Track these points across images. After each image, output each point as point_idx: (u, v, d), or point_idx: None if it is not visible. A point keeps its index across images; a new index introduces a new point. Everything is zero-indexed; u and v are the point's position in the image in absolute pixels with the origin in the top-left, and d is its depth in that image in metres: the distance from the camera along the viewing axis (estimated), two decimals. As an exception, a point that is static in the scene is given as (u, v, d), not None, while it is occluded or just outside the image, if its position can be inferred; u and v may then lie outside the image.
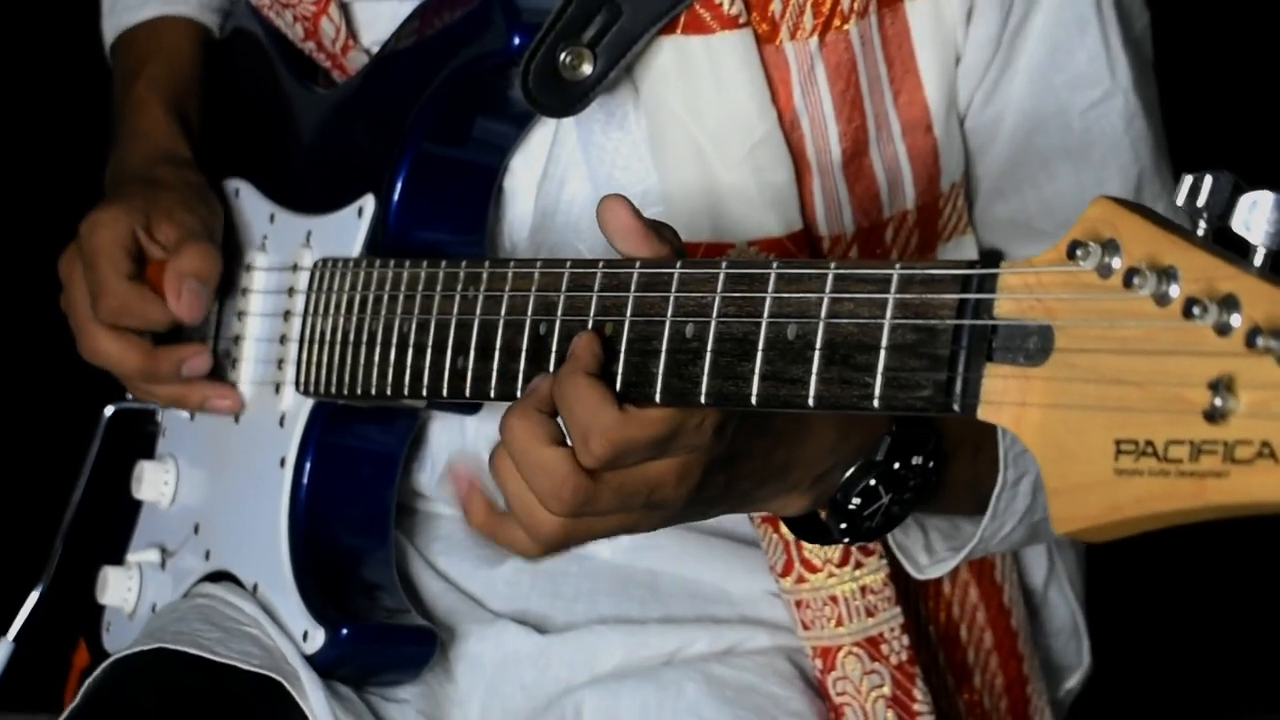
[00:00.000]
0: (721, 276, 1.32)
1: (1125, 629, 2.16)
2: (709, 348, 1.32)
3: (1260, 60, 2.70)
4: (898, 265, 1.20)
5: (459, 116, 1.71)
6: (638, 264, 1.39)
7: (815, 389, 1.24)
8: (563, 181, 1.72)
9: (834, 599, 1.72)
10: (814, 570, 1.72)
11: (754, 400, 1.28)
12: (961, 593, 1.82)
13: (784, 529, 1.68)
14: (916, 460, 1.52)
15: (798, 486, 1.49)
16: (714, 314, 1.32)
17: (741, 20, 1.62)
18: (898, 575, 1.73)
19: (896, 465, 1.51)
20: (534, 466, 1.36)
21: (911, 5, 1.65)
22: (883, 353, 1.20)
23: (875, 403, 1.20)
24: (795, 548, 1.72)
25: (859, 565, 1.71)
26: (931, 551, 1.68)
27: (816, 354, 1.24)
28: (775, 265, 1.28)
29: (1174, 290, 1.05)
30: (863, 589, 1.71)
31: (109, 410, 1.96)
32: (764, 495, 1.49)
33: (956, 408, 1.15)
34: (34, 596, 1.95)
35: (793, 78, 1.65)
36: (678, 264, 1.36)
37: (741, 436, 1.40)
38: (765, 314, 1.28)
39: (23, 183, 2.93)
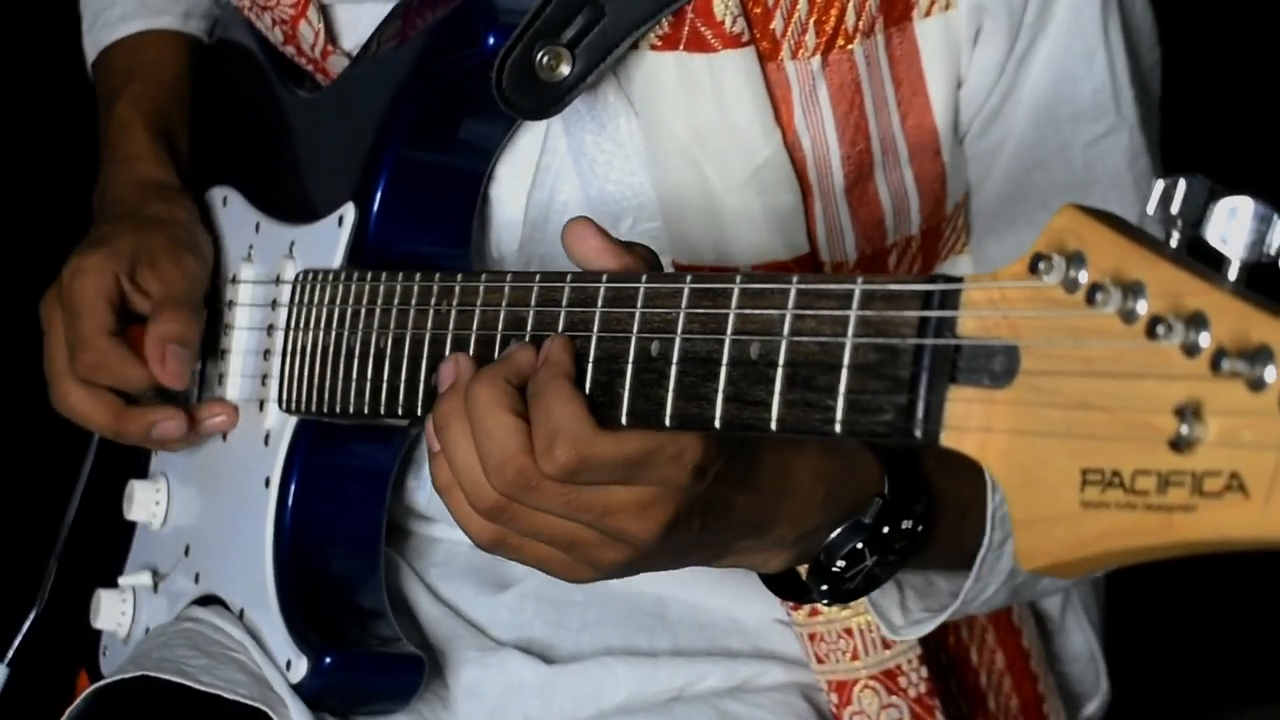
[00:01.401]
0: (686, 291, 1.25)
1: (1143, 654, 2.08)
2: (673, 367, 1.24)
3: (1258, 64, 2.60)
4: (859, 280, 1.13)
5: (438, 120, 1.64)
6: (604, 278, 1.32)
7: (778, 411, 1.16)
8: (553, 191, 1.66)
9: (849, 631, 1.64)
10: None
11: (717, 423, 1.21)
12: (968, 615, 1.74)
13: None
14: (906, 524, 1.43)
15: (780, 543, 1.41)
16: (679, 330, 1.25)
17: (745, 39, 1.55)
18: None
19: (886, 529, 1.43)
20: (489, 433, 1.28)
21: (921, 24, 1.57)
22: (844, 373, 1.12)
23: (837, 427, 1.12)
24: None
25: None
26: (906, 610, 1.59)
27: (779, 374, 1.17)
28: (740, 280, 1.21)
29: (1140, 307, 0.97)
30: None
31: (102, 429, 1.90)
32: (742, 549, 1.40)
33: (918, 434, 1.07)
34: (29, 621, 1.91)
35: (794, 98, 1.58)
36: (643, 278, 1.29)
37: (723, 485, 1.31)
38: (729, 331, 1.21)
39: (18, 199, 2.90)
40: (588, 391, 1.30)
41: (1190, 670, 2.64)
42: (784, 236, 1.58)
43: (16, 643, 1.91)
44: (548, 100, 1.56)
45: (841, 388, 1.12)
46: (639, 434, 1.27)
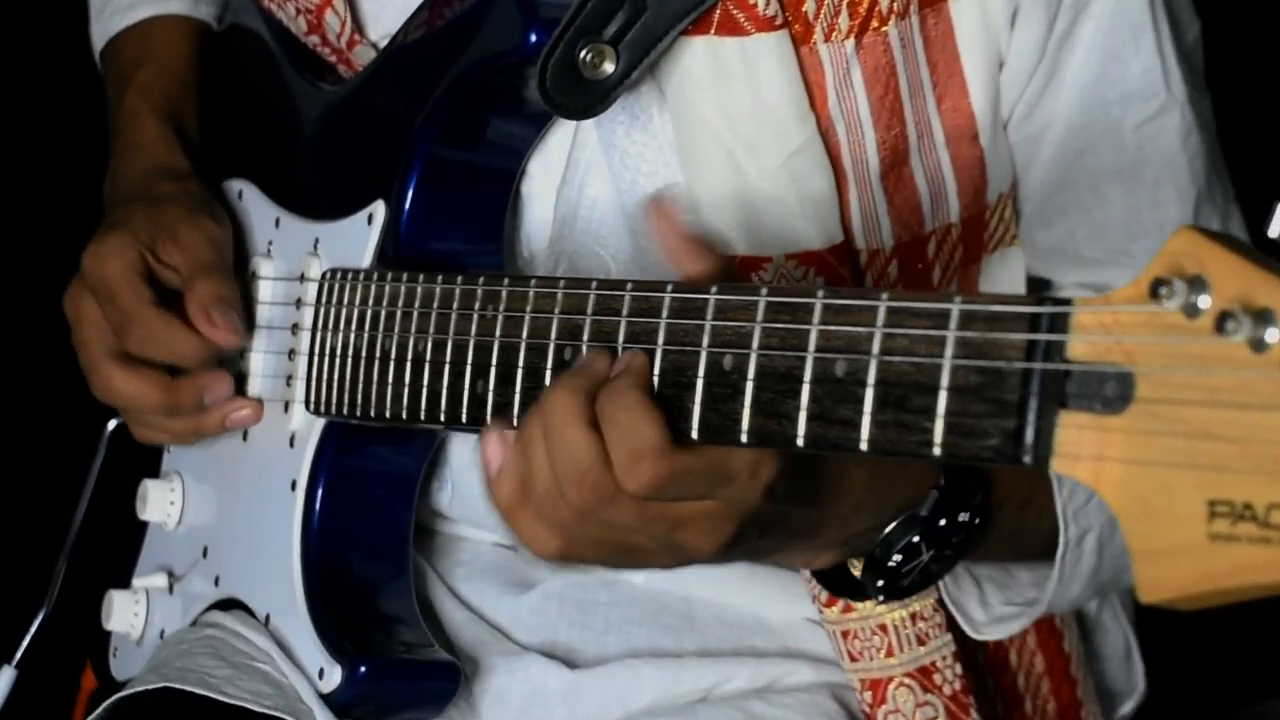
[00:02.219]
0: (761, 305, 1.22)
1: (1179, 652, 2.05)
2: (749, 381, 1.21)
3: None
4: (957, 299, 1.09)
5: (471, 118, 1.60)
6: (669, 287, 1.29)
7: (869, 432, 1.13)
8: (582, 186, 1.62)
9: (883, 628, 1.61)
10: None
11: (800, 441, 1.18)
12: None
13: None
14: (963, 517, 1.42)
15: (829, 545, 1.41)
16: (754, 345, 1.22)
17: (778, 21, 1.51)
18: (943, 601, 1.63)
19: (942, 522, 1.41)
20: (565, 445, 1.26)
21: (956, 5, 1.53)
22: (943, 395, 1.09)
23: (935, 450, 1.09)
24: None
25: None
26: (987, 606, 1.58)
27: (869, 393, 1.14)
28: (821, 295, 1.18)
29: (1270, 335, 0.94)
30: (913, 616, 1.61)
31: (111, 425, 1.86)
32: (790, 550, 1.41)
33: (1028, 459, 1.04)
34: (37, 622, 1.86)
35: (828, 81, 1.54)
36: (713, 289, 1.25)
37: (785, 501, 1.29)
38: (811, 347, 1.18)
39: (23, 196, 2.85)
40: None
41: (1225, 668, 2.62)
42: (818, 225, 1.55)
43: (25, 644, 1.86)
44: (592, 99, 1.52)
45: (940, 410, 1.09)
46: (717, 450, 1.24)
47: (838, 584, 1.50)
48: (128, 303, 1.65)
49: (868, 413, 1.14)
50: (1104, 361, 1.02)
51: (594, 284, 1.34)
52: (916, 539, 1.42)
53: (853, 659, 1.63)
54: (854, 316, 1.16)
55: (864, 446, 1.14)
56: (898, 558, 1.42)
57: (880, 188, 1.56)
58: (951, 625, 1.63)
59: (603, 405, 1.26)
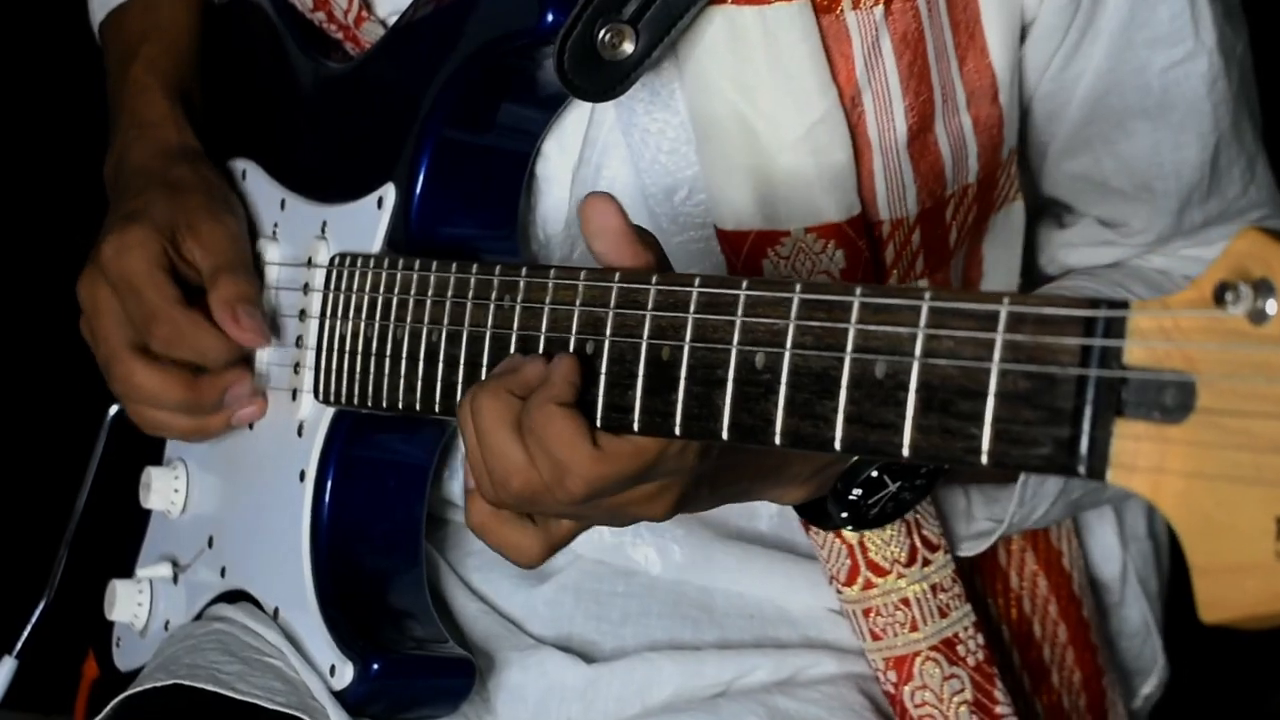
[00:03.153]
0: (796, 301, 1.17)
1: (1211, 635, 2.02)
2: (783, 382, 1.17)
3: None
4: (1005, 300, 1.05)
5: (484, 99, 1.55)
6: (697, 281, 1.24)
7: (911, 437, 1.09)
8: (599, 166, 1.58)
9: (906, 602, 1.58)
10: (882, 573, 1.58)
11: (838, 445, 1.14)
12: (1030, 586, 1.69)
13: (845, 534, 1.56)
14: None
15: (795, 479, 1.42)
16: (788, 344, 1.17)
17: None
18: (961, 573, 1.61)
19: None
20: (493, 450, 1.30)
21: None
22: (990, 400, 1.05)
23: (983, 458, 1.05)
24: (860, 551, 1.59)
25: (927, 563, 1.58)
26: (970, 519, 1.58)
27: (911, 396, 1.09)
28: (860, 293, 1.13)
29: (1345, 344, 0.90)
30: (934, 588, 1.59)
31: (113, 410, 1.81)
32: (756, 491, 1.44)
33: (1082, 470, 1.00)
34: (38, 611, 1.82)
35: (855, 50, 1.50)
36: (744, 284, 1.21)
37: (727, 452, 1.31)
38: (849, 347, 1.13)
39: (21, 183, 2.79)
40: (681, 403, 1.23)
41: (1253, 649, 2.59)
42: (837, 196, 1.51)
43: (25, 633, 1.82)
44: (612, 80, 1.47)
45: (988, 416, 1.05)
46: (642, 444, 1.27)
47: (818, 516, 1.50)
48: (153, 301, 1.61)
49: (910, 417, 1.09)
50: (1163, 368, 0.98)
51: (617, 275, 1.30)
52: (875, 473, 1.43)
53: (875, 637, 1.60)
54: (894, 316, 1.11)
55: (906, 452, 1.09)
56: (858, 491, 1.43)
57: (906, 155, 1.53)
58: (970, 595, 1.60)
59: (526, 417, 1.29)
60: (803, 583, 1.67)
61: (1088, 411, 1.00)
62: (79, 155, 1.88)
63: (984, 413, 1.05)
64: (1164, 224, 1.63)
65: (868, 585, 1.59)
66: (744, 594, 1.68)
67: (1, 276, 2.56)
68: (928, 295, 1.09)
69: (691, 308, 1.24)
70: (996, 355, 1.05)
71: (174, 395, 1.63)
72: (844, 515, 1.45)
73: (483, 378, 1.40)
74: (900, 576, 1.58)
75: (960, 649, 1.59)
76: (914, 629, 1.59)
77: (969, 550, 1.61)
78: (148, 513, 1.79)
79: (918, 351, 1.09)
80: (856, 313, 1.13)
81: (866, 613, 1.60)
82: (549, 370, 1.29)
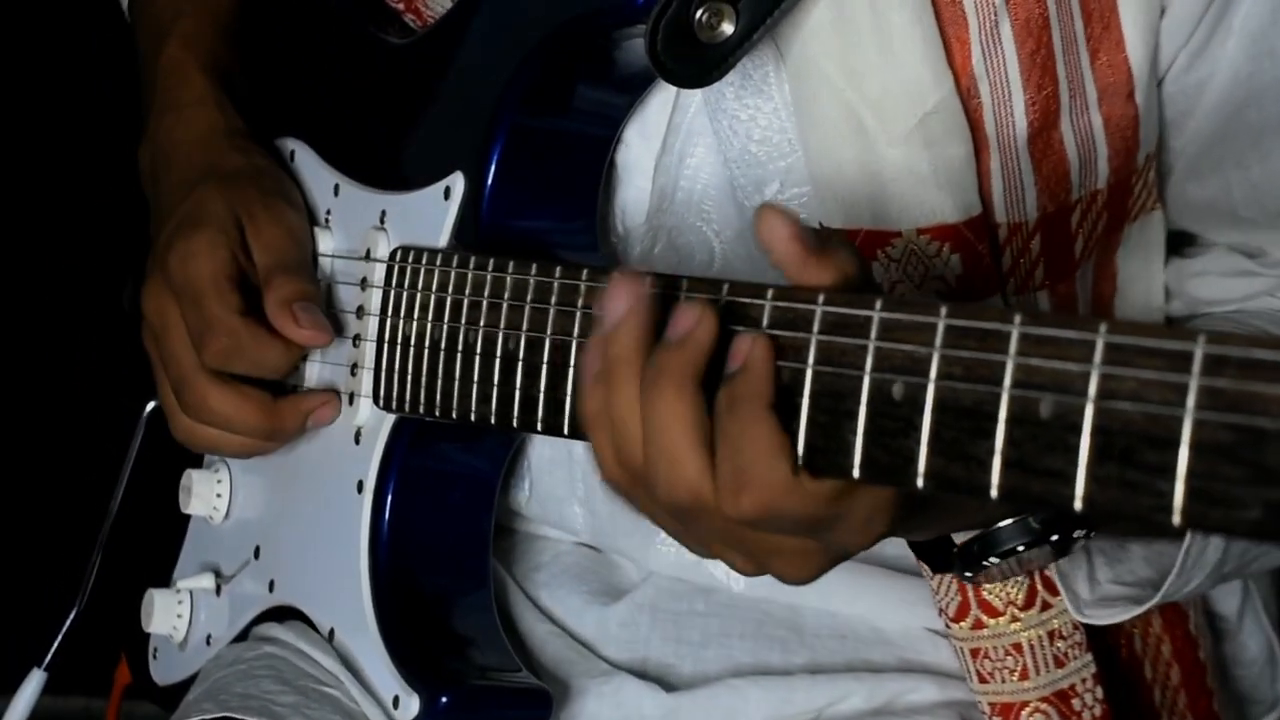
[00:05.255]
0: (941, 327, 1.04)
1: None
2: (926, 417, 1.04)
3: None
4: (1200, 338, 0.92)
5: (564, 82, 1.43)
6: (821, 298, 1.11)
7: (1085, 489, 0.96)
8: (683, 154, 1.46)
9: (1018, 647, 1.47)
10: (995, 614, 1.46)
11: (994, 491, 1.01)
12: (1144, 624, 1.57)
13: None
14: (1079, 534, 1.30)
15: (927, 533, 1.31)
16: (931, 374, 1.04)
17: None
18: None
19: (1055, 537, 1.30)
20: (663, 451, 1.12)
21: None
22: (1184, 452, 0.92)
23: (1175, 518, 0.92)
24: (972, 589, 1.47)
25: (1046, 606, 1.46)
26: (1094, 583, 1.44)
27: (1084, 442, 0.97)
28: (1019, 322, 1.01)
29: None
30: (1051, 635, 1.47)
31: (150, 406, 1.69)
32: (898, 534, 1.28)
33: (1299, 540, 0.88)
34: (69, 621, 1.71)
35: (972, 36, 1.37)
36: (878, 304, 1.08)
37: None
38: (1006, 381, 1.01)
39: (30, 181, 2.68)
40: (804, 432, 1.11)
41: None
42: (954, 194, 1.39)
43: (55, 645, 1.71)
44: (709, 64, 1.34)
45: (1180, 470, 0.92)
46: (834, 489, 1.10)
47: (929, 553, 1.36)
48: (213, 310, 1.50)
49: (1083, 465, 0.97)
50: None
51: (725, 287, 1.17)
52: (1020, 547, 1.30)
53: (982, 680, 1.49)
54: (1063, 349, 0.98)
55: (1078, 505, 0.97)
56: (994, 560, 1.31)
57: (1027, 153, 1.40)
58: (1092, 645, 1.48)
59: (722, 420, 1.12)
60: (897, 600, 1.56)
61: (1307, 473, 0.88)
62: (93, 158, 1.78)
63: (1175, 466, 0.92)
64: None
65: (978, 625, 1.48)
66: (835, 612, 1.57)
67: (34, 272, 2.47)
68: (1103, 328, 0.97)
69: (815, 328, 1.11)
70: (1190, 401, 0.92)
71: (250, 418, 1.51)
72: (967, 575, 1.33)
73: (567, 392, 1.27)
74: (1015, 620, 1.47)
75: (1075, 702, 1.48)
76: (1024, 677, 1.48)
77: (1099, 619, 1.46)
78: (186, 518, 1.68)
79: (1092, 392, 0.96)
80: (1015, 344, 1.01)
81: (974, 653, 1.49)
82: (746, 355, 1.11)
